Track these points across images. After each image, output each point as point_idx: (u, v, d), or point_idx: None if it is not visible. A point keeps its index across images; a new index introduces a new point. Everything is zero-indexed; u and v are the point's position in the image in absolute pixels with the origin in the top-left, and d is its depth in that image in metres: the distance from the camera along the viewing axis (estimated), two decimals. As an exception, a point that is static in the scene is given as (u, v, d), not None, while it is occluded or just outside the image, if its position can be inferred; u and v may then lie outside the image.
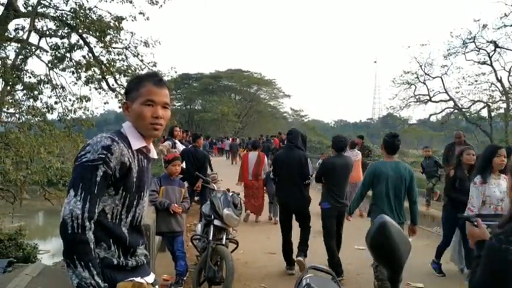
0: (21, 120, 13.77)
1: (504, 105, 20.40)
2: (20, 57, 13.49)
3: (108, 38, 14.76)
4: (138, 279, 1.81)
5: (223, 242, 4.75)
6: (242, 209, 4.90)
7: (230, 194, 4.88)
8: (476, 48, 20.44)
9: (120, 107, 16.34)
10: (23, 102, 13.85)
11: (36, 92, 13.49)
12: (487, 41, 20.01)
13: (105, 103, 17.09)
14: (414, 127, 31.22)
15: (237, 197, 4.91)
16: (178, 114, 57.76)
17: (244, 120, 58.30)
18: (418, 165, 33.09)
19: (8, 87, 13.22)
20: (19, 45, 13.77)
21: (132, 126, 1.86)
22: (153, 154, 1.95)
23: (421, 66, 21.94)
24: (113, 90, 16.04)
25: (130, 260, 1.81)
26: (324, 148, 44.59)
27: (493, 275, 1.51)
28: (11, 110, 13.72)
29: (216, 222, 4.70)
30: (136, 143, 1.83)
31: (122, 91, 16.08)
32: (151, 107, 1.83)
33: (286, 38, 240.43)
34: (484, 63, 20.63)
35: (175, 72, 27.74)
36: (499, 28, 19.39)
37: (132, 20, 15.11)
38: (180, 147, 8.04)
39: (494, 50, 20.05)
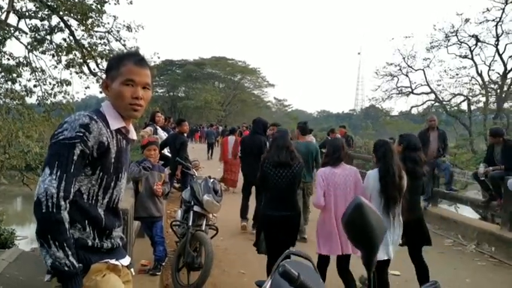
0: (-1, 103, 13.47)
1: (483, 99, 20.75)
2: (-3, 38, 13.13)
3: (90, 21, 14.48)
4: (113, 261, 1.79)
5: (203, 228, 4.74)
6: (222, 195, 4.87)
7: (211, 180, 4.86)
8: (458, 42, 20.70)
9: (101, 92, 16.16)
10: (0, 85, 13.54)
11: (14, 75, 13.19)
12: (469, 35, 20.27)
13: (86, 87, 16.92)
14: (396, 119, 31.54)
15: (218, 183, 4.89)
16: (161, 101, 57.32)
17: (227, 109, 58.12)
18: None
19: (-16, 69, 12.88)
20: (-3, 26, 13.40)
21: (112, 105, 1.81)
22: (133, 135, 1.91)
23: (404, 58, 22.18)
24: (94, 74, 15.79)
25: (106, 242, 1.78)
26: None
27: None
28: (-12, 93, 13.41)
29: (196, 208, 4.68)
30: (115, 123, 1.79)
31: (104, 76, 15.86)
32: (131, 87, 1.78)
33: (272, 27, 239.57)
34: (465, 57, 20.92)
35: (159, 57, 27.41)
36: (481, 23, 19.65)
37: (115, 4, 14.86)
38: (162, 133, 7.96)
39: (476, 44, 20.33)
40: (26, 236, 20.42)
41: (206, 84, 55.81)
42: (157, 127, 7.95)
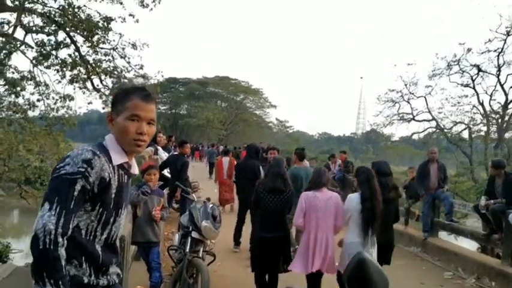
0: (1, 116, 13.52)
1: (485, 128, 20.78)
2: (3, 51, 13.25)
3: (95, 38, 14.62)
4: None
5: (200, 255, 4.67)
6: (221, 221, 4.83)
7: (210, 205, 4.82)
8: (460, 71, 20.82)
9: (103, 108, 16.23)
10: (4, 98, 13.60)
11: (18, 88, 13.26)
12: (471, 65, 20.41)
13: (88, 103, 16.89)
14: (396, 144, 31.57)
15: (217, 209, 4.85)
16: (163, 118, 57.46)
17: (229, 128, 58.19)
18: (398, 181, 33.38)
19: (-11, 82, 12.96)
20: (3, 39, 13.53)
21: (115, 140, 1.81)
22: (135, 170, 1.90)
23: (406, 85, 22.24)
24: (98, 90, 15.87)
25: (102, 279, 1.75)
26: (307, 160, 44.97)
27: None
28: (-10, 105, 13.47)
29: (194, 234, 4.63)
30: (118, 159, 1.78)
31: (107, 92, 15.92)
32: (136, 122, 1.78)
33: (276, 48, 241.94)
34: (467, 85, 21.01)
35: (162, 76, 27.61)
36: (483, 53, 19.81)
37: (122, 22, 14.99)
38: (162, 154, 7.94)
39: (478, 74, 20.45)
40: (21, 250, 20.19)
41: (209, 103, 56.02)
42: (158, 147, 7.93)
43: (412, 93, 22.42)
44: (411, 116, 23.12)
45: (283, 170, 4.85)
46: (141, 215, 4.50)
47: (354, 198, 4.43)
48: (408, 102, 22.82)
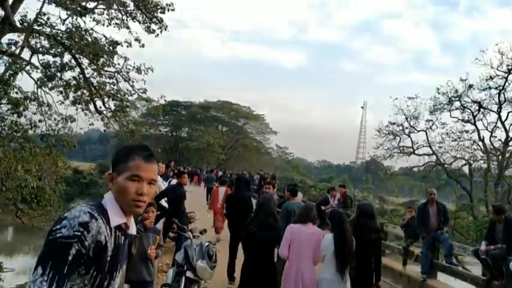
0: (2, 135, 13.50)
1: (485, 165, 20.75)
2: (9, 72, 13.35)
3: (101, 61, 14.75)
4: None
5: (194, 295, 4.59)
6: (217, 261, 4.75)
7: (206, 244, 4.75)
8: (461, 107, 20.94)
9: (104, 126, 16.26)
10: (6, 117, 13.61)
11: (21, 108, 13.29)
12: (472, 101, 20.55)
13: (90, 124, 16.89)
14: (396, 175, 31.40)
15: (213, 248, 4.78)
16: (163, 141, 57.59)
17: (228, 153, 58.26)
18: (397, 213, 32.76)
19: (-7, 100, 13.00)
20: (10, 59, 13.66)
21: (114, 199, 1.77)
22: (132, 230, 1.86)
23: (407, 118, 22.34)
24: (100, 113, 15.92)
25: None
26: (306, 188, 44.75)
27: None
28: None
29: (189, 273, 4.55)
30: (116, 219, 1.75)
31: (109, 114, 15.99)
32: (136, 182, 1.76)
33: (278, 74, 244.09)
34: (468, 121, 21.11)
35: (165, 100, 27.74)
36: (484, 89, 19.97)
37: (127, 46, 15.16)
38: (161, 183, 7.91)
39: (479, 110, 20.57)
40: (13, 269, 19.94)
41: (209, 127, 56.24)
42: (157, 176, 7.89)
43: (413, 127, 22.52)
44: (411, 150, 23.13)
45: (273, 207, 5.15)
46: (135, 253, 4.42)
47: (328, 238, 4.79)
48: (409, 136, 22.88)
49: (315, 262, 4.83)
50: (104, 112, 15.85)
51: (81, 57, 14.52)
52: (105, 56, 14.66)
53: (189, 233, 5.36)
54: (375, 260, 5.15)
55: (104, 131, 18.38)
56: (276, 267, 4.97)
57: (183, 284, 4.51)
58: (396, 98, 22.10)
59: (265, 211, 4.98)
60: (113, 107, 15.68)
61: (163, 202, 7.69)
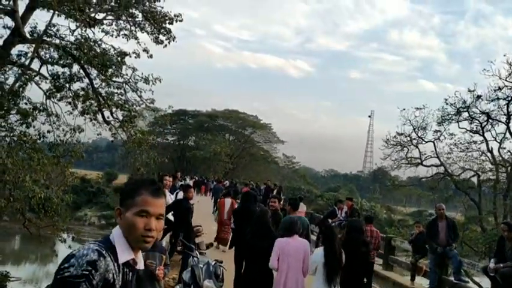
0: (11, 145, 13.60)
1: (494, 177, 20.53)
2: (18, 82, 13.49)
3: (109, 71, 14.85)
4: None
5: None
6: (224, 280, 4.72)
7: (213, 262, 4.72)
8: (470, 118, 20.76)
9: (112, 136, 16.32)
10: (15, 128, 13.73)
11: (30, 119, 13.40)
12: (480, 112, 20.37)
13: (98, 134, 16.97)
14: (403, 185, 31.10)
15: (220, 267, 4.75)
16: (170, 149, 57.72)
17: (235, 161, 58.18)
18: (405, 223, 32.45)
19: (2, 111, 13.12)
20: (19, 71, 13.80)
21: (122, 235, 1.78)
22: (140, 265, 1.86)
23: (414, 129, 22.17)
24: (108, 123, 15.99)
25: None
26: (313, 197, 44.59)
27: None
28: (1, 134, 13.59)
29: (195, 293, 4.52)
30: (124, 256, 1.75)
31: (116, 124, 16.05)
32: (145, 218, 1.76)
33: (284, 83, 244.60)
34: (476, 132, 20.91)
35: (172, 110, 27.80)
36: (492, 100, 19.81)
37: (136, 57, 15.26)
38: (168, 197, 7.91)
39: (487, 121, 20.38)
40: (19, 278, 19.96)
41: (216, 136, 56.34)
42: (165, 190, 7.89)
43: (421, 138, 22.34)
44: (419, 161, 22.94)
45: (268, 219, 5.66)
46: (142, 274, 4.37)
47: (318, 251, 5.24)
48: (416, 147, 22.69)
49: (304, 273, 5.20)
50: (112, 122, 15.91)
51: (90, 67, 14.62)
52: (114, 67, 14.75)
53: (196, 252, 5.33)
54: (367, 271, 5.77)
55: (112, 141, 18.45)
56: (272, 274, 5.32)
57: (189, 304, 4.47)
58: (404, 109, 21.98)
59: (261, 223, 5.53)
60: (120, 117, 15.74)
61: (170, 216, 7.69)
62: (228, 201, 12.28)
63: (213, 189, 27.73)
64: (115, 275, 1.69)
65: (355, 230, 5.75)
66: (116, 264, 1.71)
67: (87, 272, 1.61)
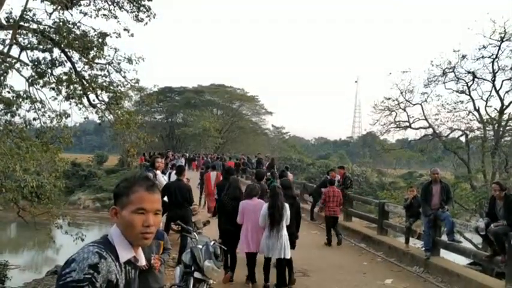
0: (-1, 135, 13.38)
1: (481, 135, 20.77)
2: (-1, 71, 13.16)
3: (91, 54, 14.54)
4: None
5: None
6: (223, 259, 4.77)
7: (212, 242, 4.75)
8: (455, 78, 20.83)
9: (99, 119, 16.15)
10: (0, 117, 13.51)
11: (14, 108, 13.18)
12: (466, 71, 20.43)
13: (85, 118, 16.79)
14: (393, 148, 31.28)
15: (218, 247, 4.79)
16: (159, 128, 57.36)
17: (225, 136, 58.19)
18: (396, 185, 32.80)
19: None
20: (-1, 59, 13.44)
21: (121, 233, 1.77)
22: (142, 261, 1.86)
23: (401, 92, 22.20)
24: (94, 106, 15.78)
25: None
26: (304, 166, 44.93)
27: None
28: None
29: (196, 274, 4.56)
30: (125, 254, 1.75)
31: (103, 107, 15.85)
32: (142, 215, 1.75)
33: (269, 54, 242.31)
34: (462, 92, 21.01)
35: (158, 89, 27.42)
36: (477, 59, 19.84)
37: (117, 37, 14.94)
38: (161, 179, 7.91)
39: (473, 80, 20.47)
40: (18, 265, 20.02)
41: (204, 111, 55.93)
42: (157, 172, 7.90)
43: (408, 101, 22.40)
44: (407, 124, 23.09)
45: (239, 184, 7.62)
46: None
47: (265, 206, 6.65)
48: (404, 110, 22.79)
49: (261, 225, 6.64)
50: (98, 105, 15.70)
51: (71, 51, 14.29)
52: (95, 49, 14.44)
53: (194, 234, 5.36)
54: (296, 217, 7.16)
55: (99, 124, 18.28)
56: (239, 226, 6.82)
57: (191, 284, 4.52)
58: (390, 73, 21.97)
59: (233, 188, 7.31)
60: (106, 100, 15.53)
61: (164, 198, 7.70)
62: (213, 174, 13.10)
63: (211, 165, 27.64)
64: (118, 275, 1.69)
65: (285, 187, 7.36)
66: (117, 264, 1.70)
67: (90, 276, 1.60)
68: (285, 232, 6.59)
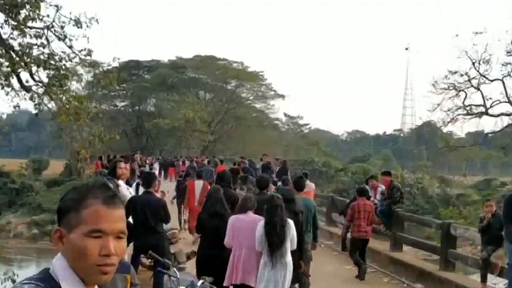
0: None
1: None
2: None
3: (22, 14, 14.60)
4: None
5: None
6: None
7: (199, 282, 4.76)
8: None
9: (36, 108, 16.22)
10: None
11: None
12: None
13: (15, 107, 16.87)
14: (462, 144, 31.21)
15: (209, 286, 4.80)
16: (122, 119, 57.54)
17: (217, 130, 58.18)
18: (467, 199, 32.67)
19: None
20: None
21: (69, 267, 1.75)
22: None
23: (473, 63, 22.12)
24: (27, 89, 15.86)
25: None
26: (332, 172, 44.83)
27: None
28: None
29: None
30: None
31: (40, 90, 15.91)
32: (99, 239, 1.73)
33: (279, 17, 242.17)
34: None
35: (119, 64, 27.26)
36: None
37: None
38: (126, 191, 7.91)
39: None
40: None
41: (186, 95, 55.98)
42: (120, 182, 7.92)
43: (484, 76, 22.34)
44: (483, 109, 23.02)
45: (221, 195, 7.65)
46: None
47: (261, 223, 6.75)
48: (478, 89, 22.73)
49: (258, 250, 6.76)
50: (34, 88, 15.81)
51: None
52: (28, 6, 14.50)
53: (174, 269, 5.36)
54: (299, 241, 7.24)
55: (36, 114, 18.36)
56: (226, 249, 7.00)
57: None
58: (457, 35, 21.90)
59: (212, 200, 7.56)
60: (45, 79, 15.60)
61: (129, 219, 7.74)
62: (198, 184, 13.35)
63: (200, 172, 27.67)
64: None
65: (286, 200, 7.40)
66: None
67: None
68: (289, 259, 6.77)
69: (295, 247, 6.92)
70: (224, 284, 6.94)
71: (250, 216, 7.00)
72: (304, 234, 8.45)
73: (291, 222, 6.83)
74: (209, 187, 11.80)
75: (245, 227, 6.87)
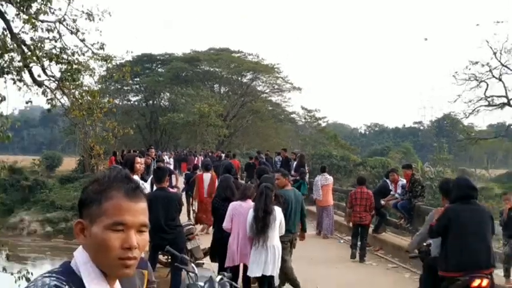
0: None
1: None
2: None
3: (34, 7, 14.67)
4: None
5: None
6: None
7: (218, 278, 4.76)
8: None
9: (48, 103, 16.31)
10: None
11: None
12: None
13: (27, 102, 17.02)
14: (484, 135, 31.02)
15: (228, 283, 4.79)
16: (136, 114, 57.79)
17: (233, 124, 58.31)
18: (489, 193, 32.46)
19: None
20: None
21: (90, 260, 1.76)
22: None
23: (495, 53, 21.99)
24: (40, 84, 15.93)
25: None
26: (351, 166, 44.67)
27: None
28: None
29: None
30: None
31: (52, 85, 15.96)
32: (121, 232, 1.74)
33: (295, 9, 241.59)
34: None
35: (133, 58, 27.47)
36: None
37: (71, -18, 15.08)
38: (141, 187, 7.98)
39: None
40: None
41: (201, 89, 56.10)
42: (136, 178, 7.99)
43: (505, 66, 22.19)
44: (505, 100, 22.88)
45: (231, 183, 8.88)
46: None
47: (251, 210, 7.49)
48: (500, 80, 22.58)
49: (248, 234, 7.52)
50: (46, 83, 15.86)
51: (3, 3, 14.45)
52: (39, 0, 14.57)
53: (192, 265, 5.35)
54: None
55: (48, 110, 18.49)
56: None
57: None
58: (478, 25, 21.76)
59: (222, 187, 8.82)
60: (57, 74, 15.65)
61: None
62: (207, 176, 14.23)
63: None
64: None
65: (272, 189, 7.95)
66: None
67: None
68: (275, 243, 7.50)
69: (283, 232, 7.65)
70: (226, 265, 7.70)
71: (248, 203, 7.79)
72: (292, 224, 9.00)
73: (277, 209, 7.49)
74: (216, 180, 13.27)
75: (244, 213, 7.64)
